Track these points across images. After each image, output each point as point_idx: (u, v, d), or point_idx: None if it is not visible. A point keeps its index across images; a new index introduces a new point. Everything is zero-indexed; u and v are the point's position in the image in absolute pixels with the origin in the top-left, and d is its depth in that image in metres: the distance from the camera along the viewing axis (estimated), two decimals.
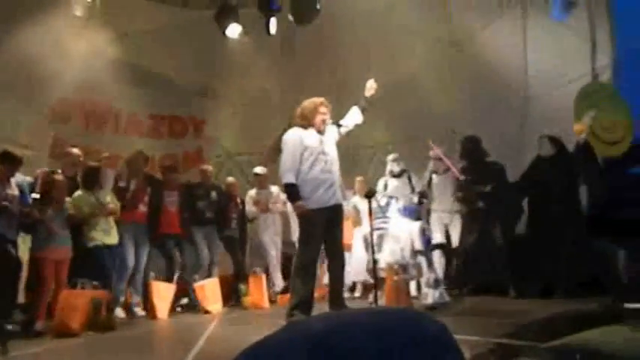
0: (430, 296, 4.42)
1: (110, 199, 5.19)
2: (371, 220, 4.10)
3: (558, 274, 4.89)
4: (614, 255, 5.35)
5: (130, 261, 5.37)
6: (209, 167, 6.73)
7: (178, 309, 5.79)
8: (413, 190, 5.91)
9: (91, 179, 5.11)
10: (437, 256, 5.22)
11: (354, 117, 4.06)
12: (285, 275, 6.26)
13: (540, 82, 6.58)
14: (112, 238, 5.12)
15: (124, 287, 5.39)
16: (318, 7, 6.85)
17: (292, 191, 3.81)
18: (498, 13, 6.56)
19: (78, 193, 5.02)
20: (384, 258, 4.62)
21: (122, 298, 5.39)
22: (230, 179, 6.84)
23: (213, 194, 6.29)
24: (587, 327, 1.17)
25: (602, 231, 5.46)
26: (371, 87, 3.99)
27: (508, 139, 6.21)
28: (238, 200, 6.66)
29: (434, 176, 5.77)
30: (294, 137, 3.90)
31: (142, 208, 5.58)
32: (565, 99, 6.01)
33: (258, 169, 6.66)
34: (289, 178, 3.80)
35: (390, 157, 6.24)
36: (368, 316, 1.21)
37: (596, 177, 5.25)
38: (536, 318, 3.43)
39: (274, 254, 6.39)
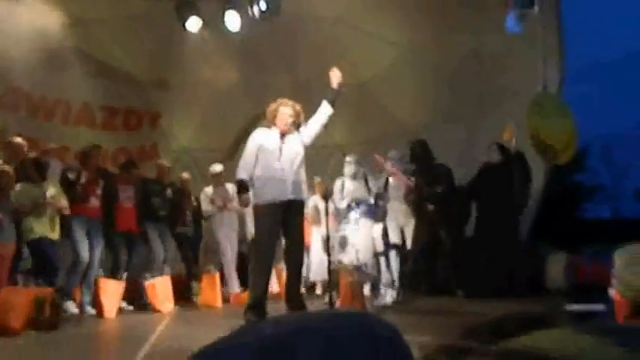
0: (388, 296, 4.47)
1: (55, 192, 4.96)
2: (327, 220, 4.10)
3: (502, 275, 5.06)
4: (551, 258, 5.60)
5: (84, 253, 5.15)
6: (165, 163, 6.55)
7: (127, 307, 5.60)
8: (369, 191, 5.95)
9: (33, 171, 4.87)
10: (393, 257, 5.30)
11: (322, 111, 4.03)
12: (240, 275, 6.20)
13: (493, 91, 6.81)
14: (55, 233, 4.91)
15: (76, 282, 5.16)
16: (279, 5, 6.81)
17: (239, 186, 3.97)
18: (455, 18, 6.71)
19: (21, 184, 4.77)
20: (344, 259, 4.63)
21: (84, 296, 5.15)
22: (184, 175, 6.70)
23: (169, 191, 6.15)
24: (534, 328, 1.19)
25: (542, 234, 5.71)
26: (336, 76, 3.97)
27: (459, 146, 6.38)
28: (192, 197, 6.53)
29: (390, 178, 5.85)
30: (253, 136, 4.02)
31: (94, 202, 5.36)
32: (516, 108, 6.24)
33: (216, 167, 6.55)
34: (239, 174, 3.97)
35: (348, 158, 6.27)
36: (320, 321, 1.19)
37: (522, 185, 5.46)
38: (485, 319, 3.53)
39: (229, 253, 6.30)
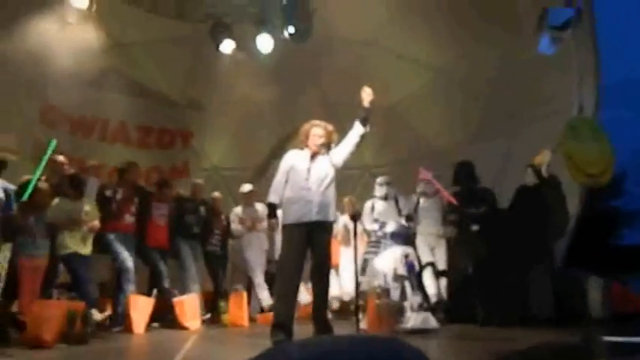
0: (412, 320, 4.38)
1: (90, 209, 5.10)
2: (355, 241, 4.08)
3: (534, 303, 4.91)
4: (588, 285, 5.40)
5: (129, 262, 5.27)
6: (200, 182, 6.68)
7: (154, 324, 5.66)
8: (400, 212, 5.92)
9: (72, 187, 5.02)
10: (428, 276, 5.24)
11: (354, 131, 4.02)
12: (272, 293, 6.21)
13: (525, 112, 6.70)
14: (87, 248, 5.01)
15: (128, 289, 5.23)
16: (311, 28, 6.93)
17: (270, 209, 4.04)
18: (486, 38, 6.67)
19: (56, 200, 4.93)
20: (374, 282, 4.58)
21: (120, 308, 5.22)
22: (216, 194, 6.79)
23: (202, 209, 6.26)
24: (569, 359, 1.16)
25: (578, 261, 5.53)
26: (367, 94, 3.93)
27: (492, 168, 6.27)
28: (222, 216, 6.61)
29: (421, 199, 5.80)
30: (285, 158, 4.08)
31: (129, 219, 5.48)
32: (550, 129, 6.12)
33: (246, 187, 6.61)
34: (270, 197, 4.03)
35: (379, 179, 6.28)
36: (345, 346, 1.19)
37: (559, 209, 5.32)
38: (518, 347, 3.42)
39: (259, 272, 6.32)
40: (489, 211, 5.44)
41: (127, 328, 5.10)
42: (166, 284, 5.60)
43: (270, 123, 8.12)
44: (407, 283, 4.53)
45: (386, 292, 4.25)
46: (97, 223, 5.08)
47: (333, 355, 1.14)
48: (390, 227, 4.92)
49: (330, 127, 4.05)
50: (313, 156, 3.98)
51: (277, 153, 4.27)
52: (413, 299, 4.45)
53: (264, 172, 8.01)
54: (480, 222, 5.40)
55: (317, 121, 4.08)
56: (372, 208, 5.97)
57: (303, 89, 8.00)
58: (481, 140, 7.00)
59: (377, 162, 8.47)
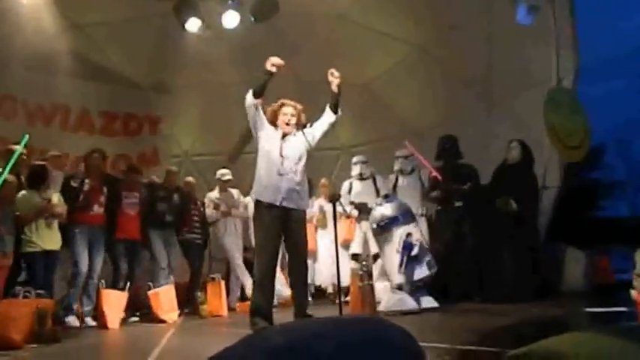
0: (385, 301, 4.47)
1: (57, 200, 5.00)
2: (335, 224, 4.09)
3: (518, 279, 5.02)
4: (569, 258, 5.56)
5: (83, 266, 5.19)
6: (174, 169, 6.60)
7: (132, 319, 5.63)
8: (378, 192, 5.97)
9: (37, 179, 4.92)
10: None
11: (325, 117, 4.01)
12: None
13: (505, 87, 6.78)
14: (54, 244, 4.95)
15: (78, 294, 5.21)
16: (277, 4, 6.83)
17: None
18: (466, 16, 6.70)
19: (22, 193, 4.82)
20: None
21: (75, 305, 5.20)
22: (189, 179, 6.73)
23: (175, 197, 6.18)
24: (553, 333, 1.19)
25: (560, 235, 5.67)
26: (333, 77, 3.90)
27: (472, 143, 6.34)
28: (199, 203, 6.56)
29: (399, 178, 5.85)
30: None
31: (97, 210, 5.40)
32: (529, 104, 6.22)
33: (225, 175, 6.53)
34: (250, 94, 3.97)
35: (355, 158, 6.31)
36: (330, 327, 1.20)
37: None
38: (502, 324, 3.51)
39: (238, 255, 6.33)
40: (473, 187, 5.52)
41: (101, 324, 5.06)
42: (122, 284, 5.49)
43: (242, 105, 8.01)
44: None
45: (368, 274, 4.29)
46: (62, 208, 4.98)
47: (319, 337, 1.14)
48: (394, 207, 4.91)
49: (300, 107, 4.00)
50: (284, 136, 3.94)
51: (249, 136, 4.18)
52: (394, 277, 4.50)
53: (237, 156, 7.95)
54: (464, 198, 5.49)
55: (286, 100, 4.02)
56: (350, 189, 6.01)
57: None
58: (461, 117, 7.06)
59: (354, 141, 8.49)
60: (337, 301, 4.04)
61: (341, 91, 3.92)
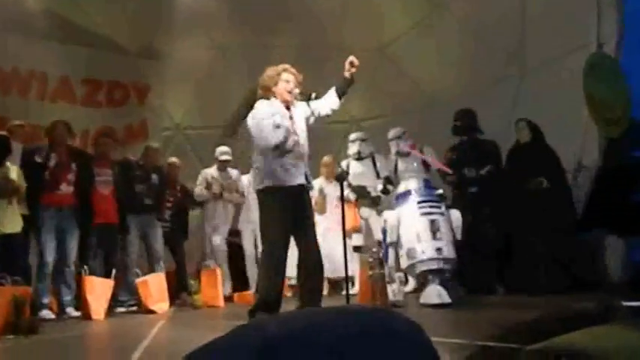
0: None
1: (17, 177, 4.97)
2: (343, 206, 4.11)
3: (547, 270, 5.04)
4: (608, 247, 5.56)
5: (49, 255, 5.19)
6: (155, 145, 6.60)
7: (119, 309, 5.73)
8: (378, 175, 5.99)
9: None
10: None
11: (329, 100, 4.00)
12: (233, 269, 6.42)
13: (538, 52, 6.70)
14: (14, 226, 4.93)
15: (47, 288, 5.26)
16: None
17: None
18: None
19: None
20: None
21: (46, 299, 5.26)
22: (172, 159, 6.78)
23: (154, 177, 6.18)
24: (582, 328, 1.21)
25: (596, 221, 5.66)
26: (351, 66, 3.89)
27: (499, 117, 6.30)
28: (178, 187, 6.65)
29: (399, 160, 5.85)
30: (264, 110, 3.83)
31: (66, 189, 5.36)
32: (565, 72, 6.15)
33: (222, 154, 6.56)
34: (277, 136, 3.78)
35: (352, 135, 6.31)
36: (331, 317, 1.22)
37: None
38: (526, 318, 3.54)
39: (219, 245, 6.47)
40: (492, 170, 5.50)
41: (85, 315, 5.16)
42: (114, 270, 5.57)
43: (240, 72, 7.99)
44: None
45: (379, 262, 4.32)
46: (22, 186, 4.97)
47: (318, 327, 1.16)
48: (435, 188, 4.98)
49: (300, 76, 3.96)
50: (287, 107, 3.93)
51: (247, 107, 4.16)
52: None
53: (235, 129, 7.96)
54: (481, 183, 5.47)
55: (286, 66, 3.95)
56: (347, 169, 6.01)
57: (276, 32, 7.87)
58: (486, 86, 7.00)
59: (366, 114, 8.46)
60: (345, 292, 4.08)
61: (354, 80, 3.92)
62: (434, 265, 4.53)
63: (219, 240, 6.45)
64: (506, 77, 6.99)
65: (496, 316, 3.80)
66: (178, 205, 6.59)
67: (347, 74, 3.90)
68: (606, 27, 6.08)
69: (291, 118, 3.86)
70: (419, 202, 4.82)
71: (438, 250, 4.52)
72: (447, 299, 4.36)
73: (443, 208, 4.79)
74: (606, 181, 5.82)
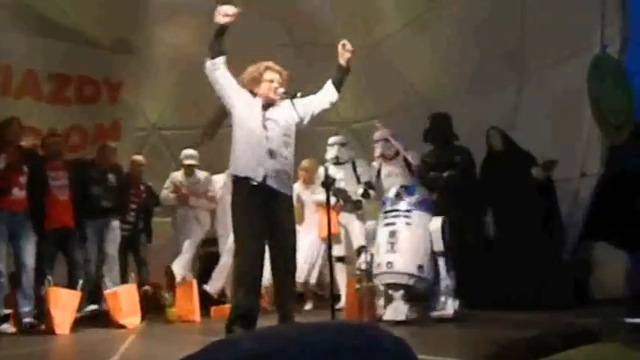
0: (450, 306, 4.53)
1: None
2: (329, 213, 4.10)
3: (531, 284, 5.07)
4: (610, 260, 5.61)
5: (0, 262, 5.14)
6: (111, 144, 6.59)
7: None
8: (358, 180, 6.02)
9: None
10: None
11: (327, 93, 4.00)
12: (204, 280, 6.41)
13: (539, 54, 6.75)
14: None
15: (1, 296, 5.19)
16: None
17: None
18: None
19: None
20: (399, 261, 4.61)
21: (2, 311, 5.18)
22: (136, 157, 6.78)
23: (111, 177, 6.15)
24: (581, 344, 1.20)
25: (599, 232, 5.71)
26: (345, 50, 3.89)
27: (498, 122, 6.33)
28: (142, 187, 6.64)
29: (382, 164, 5.86)
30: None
31: (18, 193, 5.31)
32: (566, 74, 6.20)
33: (187, 158, 6.52)
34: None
35: (332, 139, 6.33)
36: (312, 333, 1.20)
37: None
38: (525, 335, 3.55)
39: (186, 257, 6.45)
40: (454, 176, 5.53)
41: (48, 329, 5.09)
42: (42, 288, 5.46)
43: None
44: (442, 262, 4.62)
45: (367, 274, 4.32)
46: None
47: (295, 344, 1.15)
48: (420, 194, 4.96)
49: (285, 73, 3.97)
50: (266, 107, 3.92)
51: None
52: (448, 281, 4.58)
53: (214, 130, 7.93)
54: (445, 188, 5.49)
55: (270, 63, 3.98)
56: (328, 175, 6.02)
57: (264, 27, 7.85)
58: (483, 88, 7.04)
59: (356, 115, 8.47)
60: (331, 307, 4.06)
61: (350, 68, 3.92)
62: (387, 279, 4.56)
63: (180, 267, 6.39)
64: (505, 80, 7.04)
65: (495, 333, 3.81)
66: (143, 206, 6.57)
67: (341, 61, 3.91)
68: (610, 27, 6.15)
69: (266, 116, 3.84)
70: (384, 212, 4.89)
71: (389, 263, 4.52)
72: (399, 317, 4.40)
73: (412, 218, 4.77)
74: (609, 189, 5.88)
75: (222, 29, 3.83)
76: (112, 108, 8.24)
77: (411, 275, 4.54)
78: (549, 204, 5.51)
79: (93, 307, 5.79)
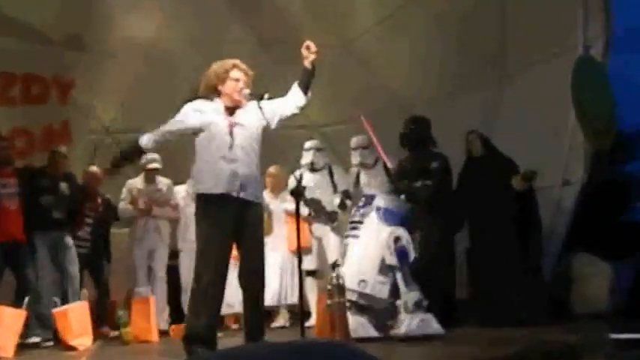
0: (406, 323, 4.50)
1: None
2: (298, 225, 4.11)
3: (512, 297, 5.16)
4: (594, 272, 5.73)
5: None
6: (62, 149, 6.48)
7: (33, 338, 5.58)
8: (335, 188, 6.03)
9: None
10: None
11: (294, 97, 4.01)
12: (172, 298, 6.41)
13: (520, 55, 6.88)
14: None
15: None
16: None
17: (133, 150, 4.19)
18: None
19: None
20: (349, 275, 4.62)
21: None
22: (93, 169, 6.71)
23: (63, 186, 6.08)
24: None
25: (582, 242, 5.83)
26: (309, 52, 3.92)
27: (477, 126, 6.43)
28: (99, 199, 6.59)
29: (361, 172, 5.87)
30: (193, 106, 3.94)
31: None
32: (549, 75, 6.33)
33: (149, 162, 6.47)
34: (142, 139, 4.04)
35: (308, 144, 6.34)
36: (282, 352, 1.21)
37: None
38: (504, 353, 3.61)
39: (142, 274, 6.41)
40: (432, 184, 5.57)
41: None
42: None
43: (183, 69, 7.94)
44: (399, 276, 4.64)
45: (339, 289, 4.33)
46: None
47: None
48: (380, 201, 4.95)
49: (251, 73, 3.97)
50: (232, 111, 3.92)
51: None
52: (407, 296, 4.57)
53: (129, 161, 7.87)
54: (418, 200, 5.52)
55: (237, 61, 3.97)
56: (299, 182, 6.03)
57: (227, 25, 7.86)
58: (461, 90, 7.15)
59: (327, 118, 8.51)
60: (300, 324, 4.07)
61: (315, 69, 3.95)
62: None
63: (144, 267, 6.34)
64: (485, 81, 7.15)
65: (471, 352, 3.86)
66: (100, 221, 6.48)
67: (306, 63, 3.92)
68: (593, 27, 6.30)
69: (230, 121, 3.84)
70: (349, 223, 4.97)
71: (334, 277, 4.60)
72: (356, 333, 4.44)
73: (361, 230, 4.85)
74: (593, 198, 6.01)
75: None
76: (62, 109, 8.09)
77: (352, 291, 4.59)
78: (529, 214, 5.56)
79: (35, 339, 5.64)
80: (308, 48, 3.90)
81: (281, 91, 4.08)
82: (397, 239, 4.66)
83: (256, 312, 3.94)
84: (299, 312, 4.10)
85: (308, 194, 5.93)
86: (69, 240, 6.03)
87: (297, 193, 4.19)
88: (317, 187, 6.10)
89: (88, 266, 6.34)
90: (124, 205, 6.44)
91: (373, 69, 8.02)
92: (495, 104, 7.07)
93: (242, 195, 3.76)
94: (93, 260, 6.42)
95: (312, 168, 6.19)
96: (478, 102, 7.05)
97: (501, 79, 7.11)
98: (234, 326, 6.39)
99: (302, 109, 4.05)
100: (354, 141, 5.88)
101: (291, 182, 5.93)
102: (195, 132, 3.90)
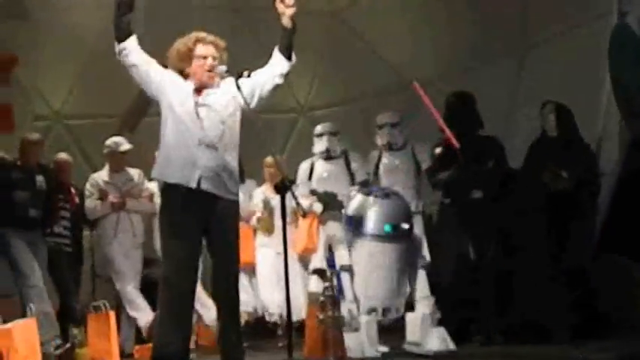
0: (435, 340, 4.61)
1: None
2: (284, 225, 4.10)
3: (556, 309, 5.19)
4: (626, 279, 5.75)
5: None
6: (36, 136, 6.40)
7: None
8: (352, 178, 6.00)
9: None
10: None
11: (276, 65, 3.97)
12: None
13: (544, 23, 6.88)
14: None
15: None
16: None
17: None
18: None
19: None
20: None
21: None
22: (62, 155, 6.68)
23: (40, 180, 6.07)
24: None
25: (617, 245, 5.84)
26: (285, 7, 3.83)
27: (492, 106, 6.44)
28: (73, 190, 6.56)
29: (384, 156, 5.86)
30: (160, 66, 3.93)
31: None
32: (574, 48, 6.33)
33: (118, 145, 6.41)
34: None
35: (319, 128, 6.28)
36: None
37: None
38: None
39: (130, 278, 6.29)
40: (498, 170, 5.55)
41: None
42: None
43: (148, 43, 7.89)
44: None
45: (332, 300, 4.33)
46: None
47: None
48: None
49: (223, 43, 3.95)
50: (200, 90, 3.90)
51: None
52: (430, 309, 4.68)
53: (135, 121, 7.86)
54: (485, 187, 5.53)
55: (202, 33, 3.92)
56: (311, 173, 6.01)
57: None
58: (476, 66, 7.16)
59: (318, 101, 8.50)
60: (287, 341, 4.06)
61: (296, 27, 3.90)
62: None
63: (129, 274, 6.32)
64: (504, 53, 7.15)
65: None
66: (75, 216, 6.48)
67: (284, 20, 3.84)
68: None
69: (200, 102, 3.81)
70: None
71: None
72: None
73: None
74: (629, 192, 5.99)
75: (128, 2, 3.78)
76: (3, 90, 8.07)
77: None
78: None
79: None
80: (282, 1, 3.84)
81: (259, 63, 4.04)
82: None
83: (233, 326, 3.93)
84: (286, 326, 4.08)
85: (321, 187, 5.89)
86: (44, 240, 6.06)
87: (283, 187, 4.15)
88: (333, 177, 6.01)
89: (52, 267, 6.27)
90: (91, 203, 6.35)
91: (369, 40, 7.99)
92: (515, 79, 7.08)
93: (204, 187, 3.74)
94: (57, 260, 6.28)
95: (328, 156, 6.09)
96: (496, 77, 7.04)
97: (521, 51, 7.11)
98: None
99: (286, 76, 3.98)
100: (381, 118, 5.84)
101: (302, 172, 5.93)
102: (153, 96, 3.91)
